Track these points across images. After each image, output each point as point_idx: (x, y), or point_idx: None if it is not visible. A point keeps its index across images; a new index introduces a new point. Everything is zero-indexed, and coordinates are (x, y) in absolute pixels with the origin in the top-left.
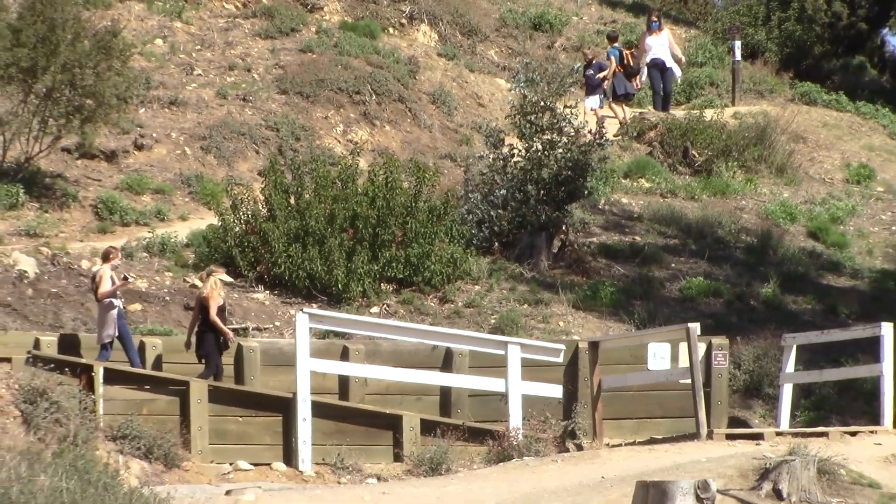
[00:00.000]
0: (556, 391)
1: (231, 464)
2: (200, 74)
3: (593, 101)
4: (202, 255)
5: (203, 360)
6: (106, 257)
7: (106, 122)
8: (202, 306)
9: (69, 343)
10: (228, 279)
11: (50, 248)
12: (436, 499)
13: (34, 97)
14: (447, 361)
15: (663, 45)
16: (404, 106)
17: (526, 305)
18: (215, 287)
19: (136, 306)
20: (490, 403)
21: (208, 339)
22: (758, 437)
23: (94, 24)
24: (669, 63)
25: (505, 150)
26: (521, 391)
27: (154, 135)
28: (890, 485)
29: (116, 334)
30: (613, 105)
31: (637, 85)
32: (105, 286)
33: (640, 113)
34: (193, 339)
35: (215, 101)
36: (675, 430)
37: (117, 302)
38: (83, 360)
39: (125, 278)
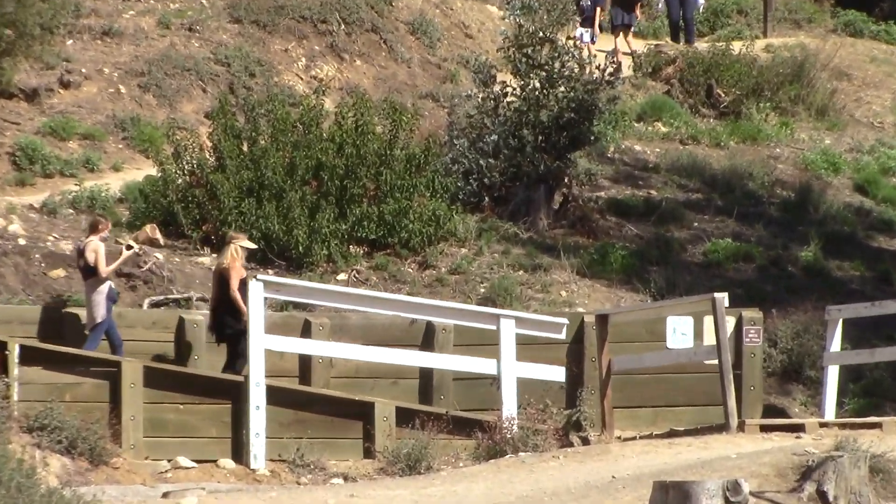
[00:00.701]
0: (557, 374)
1: (170, 460)
2: (139, 0)
3: (584, 33)
4: (138, 213)
5: (224, 344)
6: (94, 228)
7: (27, 55)
8: (221, 280)
9: None
10: (251, 246)
11: None
12: (413, 502)
13: None
14: (428, 338)
15: None
16: (378, 37)
17: (522, 272)
18: (236, 256)
19: (59, 272)
20: (479, 388)
21: (229, 319)
22: (798, 428)
23: None
24: None
25: (496, 88)
26: (516, 374)
27: (83, 70)
28: None
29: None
30: (614, 37)
31: (637, 15)
32: (103, 261)
33: (656, 45)
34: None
35: (156, 31)
36: (700, 420)
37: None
38: None
39: (130, 247)
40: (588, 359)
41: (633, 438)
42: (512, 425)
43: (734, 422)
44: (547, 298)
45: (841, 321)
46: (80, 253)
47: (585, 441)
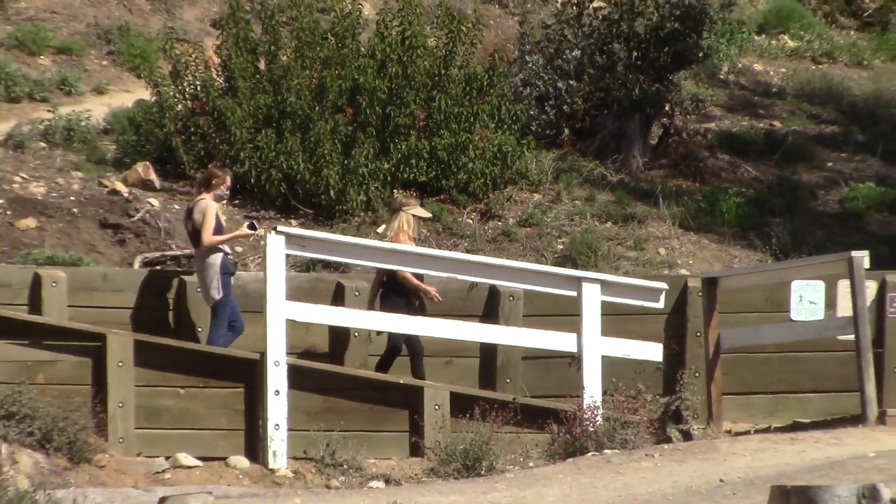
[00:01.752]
0: (653, 352)
1: (168, 458)
2: None
3: None
4: (127, 147)
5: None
6: (207, 183)
7: None
8: None
9: None
10: (426, 214)
11: None
12: None
13: None
14: (491, 307)
15: None
16: None
17: (610, 224)
18: (407, 227)
19: (30, 222)
20: (554, 370)
21: (395, 302)
22: None
23: None
24: None
25: None
26: (602, 351)
27: None
28: None
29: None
30: None
31: None
32: (210, 226)
33: None
34: (377, 302)
35: None
36: (831, 410)
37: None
38: None
39: (252, 227)
40: (692, 333)
41: (747, 433)
42: (595, 416)
43: (874, 412)
44: (641, 257)
45: None
46: (189, 214)
47: (687, 436)
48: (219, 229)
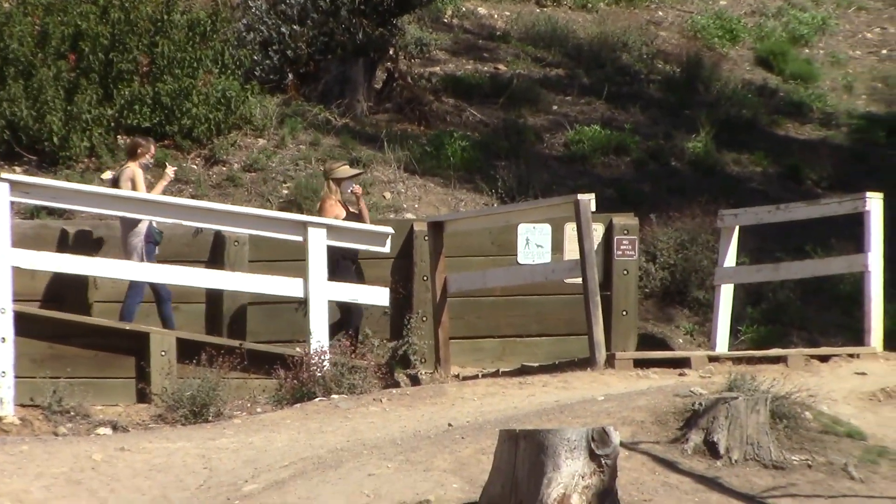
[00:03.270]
0: (380, 296)
1: None
2: None
3: None
4: None
5: None
6: (133, 152)
7: None
8: None
9: None
10: (349, 174)
11: None
12: (199, 457)
13: None
14: (217, 252)
15: None
16: None
17: None
18: (331, 192)
19: None
20: (282, 315)
21: (345, 268)
22: (682, 363)
23: None
24: None
25: None
26: (329, 296)
27: None
28: (878, 433)
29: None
30: None
31: None
32: (142, 192)
33: None
34: None
35: None
36: (559, 353)
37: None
38: None
39: (172, 170)
40: (418, 278)
41: (475, 377)
42: (323, 361)
43: (602, 356)
44: (367, 202)
45: (737, 229)
46: (115, 183)
47: (415, 380)
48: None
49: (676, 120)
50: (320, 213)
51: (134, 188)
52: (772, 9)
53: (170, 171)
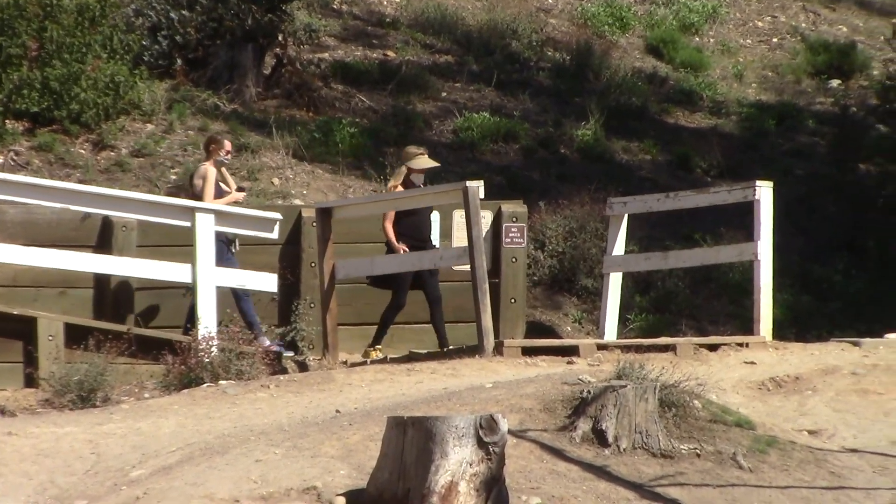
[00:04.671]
0: (268, 282)
1: None
2: None
3: None
4: None
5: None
6: (207, 150)
7: None
8: None
9: None
10: (424, 166)
11: None
12: (87, 442)
13: None
14: (105, 238)
15: None
16: None
17: None
18: (396, 181)
19: None
20: (169, 301)
21: None
22: (570, 351)
23: None
24: None
25: None
26: (217, 282)
27: None
28: (767, 423)
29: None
30: None
31: None
32: (210, 193)
33: None
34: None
35: None
36: (448, 341)
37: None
38: None
39: (241, 189)
40: (306, 264)
41: (363, 363)
42: (210, 347)
43: (490, 343)
44: (255, 188)
45: (626, 217)
46: (191, 179)
47: (303, 367)
48: (219, 195)
49: (566, 108)
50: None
51: (204, 185)
52: None
53: (239, 195)
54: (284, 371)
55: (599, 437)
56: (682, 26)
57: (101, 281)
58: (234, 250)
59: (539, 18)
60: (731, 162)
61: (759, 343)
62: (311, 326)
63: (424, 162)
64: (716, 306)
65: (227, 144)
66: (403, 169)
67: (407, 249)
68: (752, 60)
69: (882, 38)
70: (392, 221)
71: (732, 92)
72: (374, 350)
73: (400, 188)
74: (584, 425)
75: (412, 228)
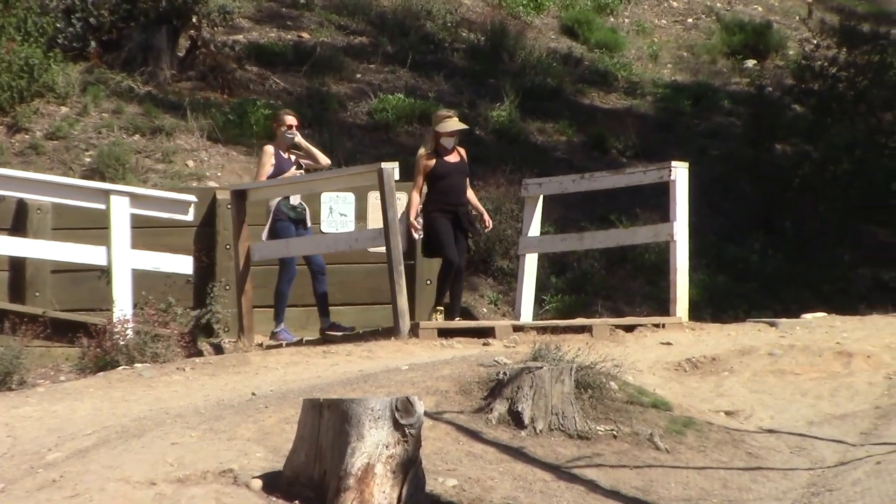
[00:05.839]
0: (183, 265)
1: None
2: None
3: None
4: None
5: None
6: (271, 130)
7: None
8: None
9: None
10: (451, 129)
11: None
12: (3, 425)
13: None
14: (19, 220)
15: None
16: None
17: (138, 136)
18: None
19: None
20: (84, 283)
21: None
22: (486, 333)
23: None
24: None
25: None
26: (132, 264)
27: None
28: (684, 404)
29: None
30: None
31: None
32: (265, 171)
33: None
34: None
35: None
36: (363, 323)
37: (296, 200)
38: None
39: (300, 167)
40: (221, 246)
41: (279, 346)
42: (126, 329)
43: (406, 325)
44: (170, 170)
45: (542, 198)
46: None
47: (218, 349)
48: (278, 173)
49: (481, 89)
50: (415, 166)
51: (258, 165)
52: None
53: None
54: (200, 354)
55: (516, 419)
56: (597, 7)
57: (15, 264)
58: (307, 226)
59: (453, 0)
60: (647, 142)
61: (676, 324)
62: (226, 308)
63: (453, 124)
64: (632, 287)
65: (288, 119)
66: (433, 134)
67: (418, 227)
68: (667, 41)
69: (797, 17)
70: (419, 189)
71: (648, 72)
72: (437, 312)
73: (427, 158)
74: (500, 407)
75: (444, 193)
